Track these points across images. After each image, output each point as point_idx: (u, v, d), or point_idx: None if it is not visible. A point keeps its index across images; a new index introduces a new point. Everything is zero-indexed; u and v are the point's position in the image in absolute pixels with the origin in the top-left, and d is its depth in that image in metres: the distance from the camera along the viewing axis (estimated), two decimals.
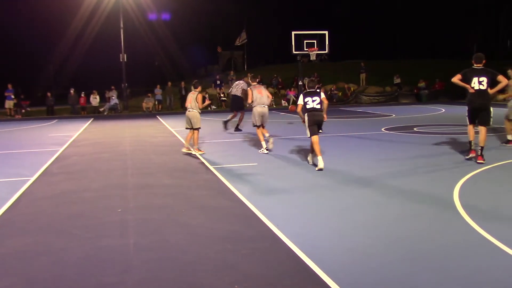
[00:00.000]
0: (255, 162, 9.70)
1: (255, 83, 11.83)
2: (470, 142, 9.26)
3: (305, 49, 25.73)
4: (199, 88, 11.15)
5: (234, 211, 6.18)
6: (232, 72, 37.97)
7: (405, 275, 4.10)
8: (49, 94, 28.16)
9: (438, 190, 6.96)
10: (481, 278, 4.02)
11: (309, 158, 9.42)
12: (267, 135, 11.03)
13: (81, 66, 42.54)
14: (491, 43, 46.81)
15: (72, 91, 28.51)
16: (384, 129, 15.01)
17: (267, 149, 10.81)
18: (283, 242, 4.93)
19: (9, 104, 26.97)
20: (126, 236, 5.30)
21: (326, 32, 25.89)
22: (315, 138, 8.86)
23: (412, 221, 5.57)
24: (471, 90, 8.92)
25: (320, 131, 9.43)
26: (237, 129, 15.39)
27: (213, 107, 29.39)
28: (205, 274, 4.21)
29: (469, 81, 8.94)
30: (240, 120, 15.59)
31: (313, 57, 26.56)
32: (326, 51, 26.34)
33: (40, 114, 27.67)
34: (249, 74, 13.81)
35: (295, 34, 25.84)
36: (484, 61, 9.01)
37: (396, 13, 49.09)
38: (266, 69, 40.20)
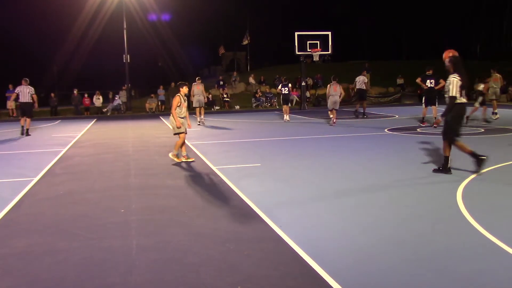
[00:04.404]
0: (258, 163, 9.69)
1: (198, 82, 17.95)
2: (423, 118, 16.22)
3: (308, 50, 25.72)
4: (183, 89, 10.27)
5: (237, 212, 6.17)
6: (235, 73, 38.02)
7: (408, 277, 4.08)
8: (52, 94, 28.25)
9: (442, 191, 6.93)
10: (484, 279, 3.99)
11: (284, 117, 18.58)
12: (202, 116, 18.55)
13: (85, 67, 42.75)
14: (495, 44, 46.72)
15: (75, 91, 28.59)
16: (387, 130, 14.98)
17: (199, 123, 18.08)
18: (286, 243, 4.92)
19: (10, 104, 27.00)
20: (129, 237, 5.30)
21: (329, 33, 25.87)
22: (284, 107, 18.69)
23: (416, 223, 5.55)
24: (425, 87, 15.76)
25: (289, 104, 18.82)
26: (363, 115, 19.76)
27: (216, 107, 29.40)
28: (208, 275, 4.20)
29: (425, 82, 15.73)
30: (364, 108, 20.11)
31: (316, 58, 26.56)
32: (329, 52, 26.33)
33: (44, 114, 27.71)
34: (197, 78, 18.70)
35: (298, 35, 25.84)
36: (432, 70, 15.66)
37: (400, 14, 49.02)
38: (269, 70, 40.20)
